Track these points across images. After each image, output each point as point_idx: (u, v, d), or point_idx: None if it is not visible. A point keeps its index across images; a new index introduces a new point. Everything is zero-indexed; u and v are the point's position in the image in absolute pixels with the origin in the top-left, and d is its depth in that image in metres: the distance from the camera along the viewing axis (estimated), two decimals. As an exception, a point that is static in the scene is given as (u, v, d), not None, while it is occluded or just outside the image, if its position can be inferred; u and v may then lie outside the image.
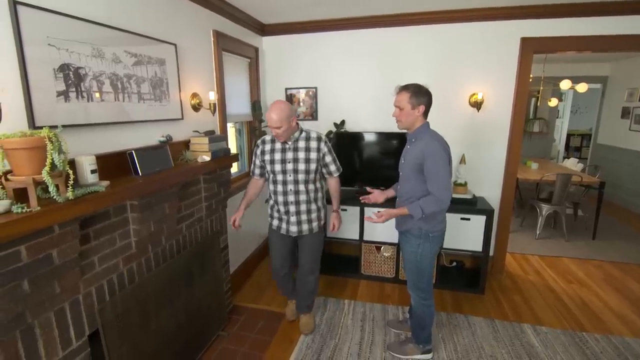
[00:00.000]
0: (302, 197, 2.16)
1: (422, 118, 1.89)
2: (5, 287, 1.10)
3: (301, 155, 2.10)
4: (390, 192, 2.20)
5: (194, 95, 2.30)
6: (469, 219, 2.80)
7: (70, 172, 1.22)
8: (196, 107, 2.31)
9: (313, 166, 2.12)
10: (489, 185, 3.13)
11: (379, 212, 1.94)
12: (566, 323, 2.51)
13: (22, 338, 1.22)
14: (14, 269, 1.11)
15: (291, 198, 2.15)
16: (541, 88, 4.86)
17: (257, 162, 2.21)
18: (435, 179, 1.80)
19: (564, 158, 7.12)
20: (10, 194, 1.15)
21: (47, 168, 1.13)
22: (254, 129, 3.27)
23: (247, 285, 3.05)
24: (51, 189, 1.15)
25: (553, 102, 5.34)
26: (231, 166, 2.46)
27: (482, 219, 2.77)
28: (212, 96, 2.36)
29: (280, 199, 2.17)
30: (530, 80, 3.00)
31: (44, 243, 1.19)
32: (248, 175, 3.26)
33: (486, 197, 3.09)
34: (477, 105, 2.91)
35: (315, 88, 3.32)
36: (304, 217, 2.20)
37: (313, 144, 2.12)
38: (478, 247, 2.83)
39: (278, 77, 3.41)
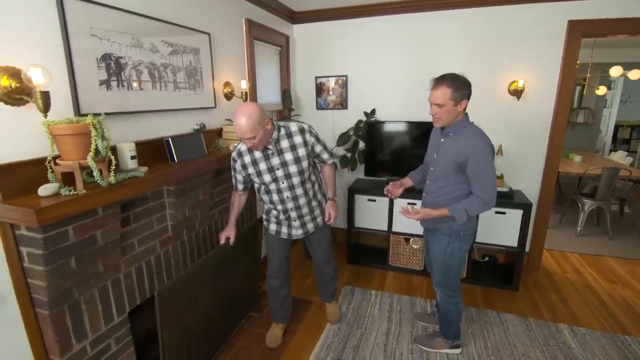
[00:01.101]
0: (302, 200, 1.95)
1: (462, 112, 1.73)
2: (56, 264, 1.19)
3: (288, 156, 1.84)
4: (407, 182, 2.07)
5: (226, 84, 2.34)
6: (504, 213, 2.69)
7: (112, 157, 1.28)
8: (228, 96, 2.35)
9: (305, 164, 1.87)
10: (527, 178, 2.98)
11: (414, 208, 1.79)
12: (607, 325, 2.38)
13: (69, 312, 1.31)
14: (62, 247, 1.19)
15: (290, 205, 1.94)
16: (588, 75, 4.53)
17: (239, 177, 1.92)
18: (482, 180, 1.66)
19: (611, 151, 6.64)
20: (59, 178, 1.22)
21: (91, 153, 1.20)
22: (284, 118, 3.29)
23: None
24: (95, 173, 1.21)
25: (601, 90, 4.96)
26: (261, 154, 2.49)
27: (518, 213, 2.65)
28: (244, 85, 2.39)
29: (279, 207, 1.96)
30: (577, 66, 2.80)
31: (89, 224, 1.27)
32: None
33: (524, 190, 2.95)
34: (517, 93, 2.76)
35: (346, 76, 3.27)
36: (307, 218, 2.02)
37: (297, 139, 1.84)
38: (513, 242, 2.72)
39: (308, 66, 3.39)
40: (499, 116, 2.91)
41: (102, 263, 1.41)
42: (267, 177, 1.86)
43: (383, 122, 3.09)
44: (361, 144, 3.26)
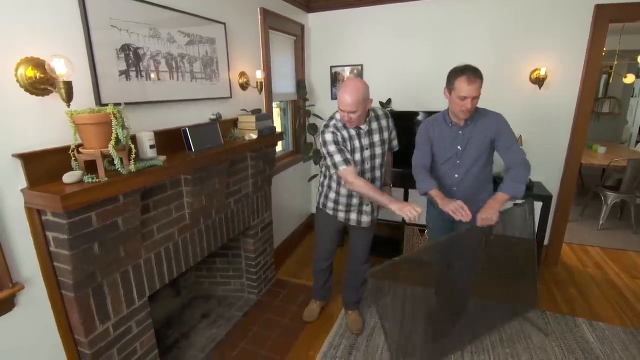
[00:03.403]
0: (377, 183, 1.96)
1: None
2: (80, 248, 1.24)
3: (377, 138, 1.87)
4: (436, 193, 1.85)
5: (242, 74, 2.35)
6: (522, 205, 2.63)
7: (132, 146, 1.32)
8: (244, 86, 2.36)
9: (386, 147, 1.94)
10: (548, 170, 2.90)
11: (483, 215, 1.70)
12: (628, 320, 2.32)
13: (93, 295, 1.37)
14: (86, 232, 1.24)
15: (368, 175, 1.92)
16: (615, 63, 4.34)
17: (346, 152, 1.78)
18: (515, 145, 1.77)
19: (638, 142, 6.37)
20: (82, 166, 1.26)
21: (112, 142, 1.23)
22: (298, 108, 3.29)
23: (290, 261, 3.15)
24: (116, 161, 1.25)
25: (629, 78, 4.74)
26: (277, 144, 2.50)
27: (538, 205, 2.58)
28: (259, 75, 2.39)
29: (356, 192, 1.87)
30: (603, 54, 2.68)
31: (111, 211, 1.31)
32: (292, 154, 3.31)
33: (544, 182, 2.88)
34: (539, 82, 2.67)
35: (361, 66, 3.23)
36: (376, 206, 2.02)
37: (384, 123, 1.90)
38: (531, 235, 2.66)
39: (323, 55, 3.36)
40: (520, 106, 2.82)
41: (124, 249, 1.45)
42: (357, 156, 1.85)
43: (398, 112, 3.05)
44: (376, 135, 3.23)
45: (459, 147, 1.87)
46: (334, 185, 1.98)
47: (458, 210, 1.68)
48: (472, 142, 1.83)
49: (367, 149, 1.86)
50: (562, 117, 2.75)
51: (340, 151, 1.76)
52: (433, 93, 3.03)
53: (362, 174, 1.88)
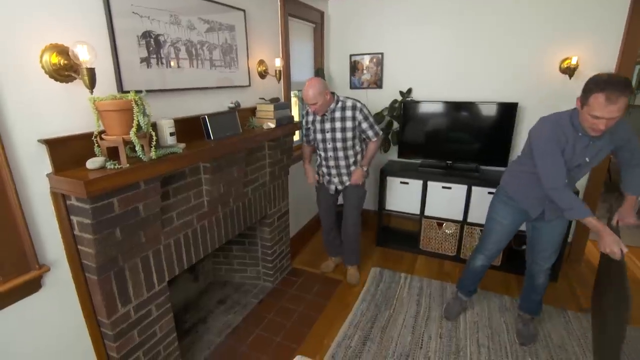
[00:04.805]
0: (342, 162, 2.38)
1: None
2: (103, 233, 1.26)
3: (337, 124, 2.27)
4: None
5: (261, 62, 2.33)
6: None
7: (153, 133, 1.32)
8: (262, 74, 2.34)
9: (349, 134, 2.28)
10: (573, 164, 2.78)
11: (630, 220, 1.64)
12: (655, 322, 2.23)
13: (115, 278, 1.40)
14: (109, 217, 1.26)
15: (332, 162, 2.40)
16: (652, 52, 4.09)
17: (304, 131, 2.46)
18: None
19: (672, 137, 6.04)
20: (104, 152, 1.28)
21: (134, 129, 1.24)
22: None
23: (305, 250, 3.16)
24: (138, 148, 1.26)
25: (666, 69, 4.48)
26: (294, 134, 2.49)
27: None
28: (278, 63, 2.37)
29: (324, 162, 2.46)
30: (641, 42, 2.52)
31: (132, 197, 1.33)
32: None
33: (569, 177, 2.76)
34: (570, 71, 2.54)
35: (382, 54, 3.16)
36: (345, 178, 2.43)
37: (348, 113, 2.25)
38: (554, 231, 2.57)
39: (343, 43, 3.29)
40: (548, 96, 2.70)
41: (144, 234, 1.48)
42: (319, 136, 2.36)
43: (419, 102, 2.98)
44: (395, 125, 3.17)
45: (587, 159, 1.63)
46: (317, 152, 2.49)
47: (619, 250, 1.49)
48: (601, 154, 1.62)
49: (327, 132, 2.31)
50: (593, 109, 2.62)
51: (306, 130, 2.44)
52: (456, 82, 2.94)
53: (324, 151, 2.40)
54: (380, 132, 2.35)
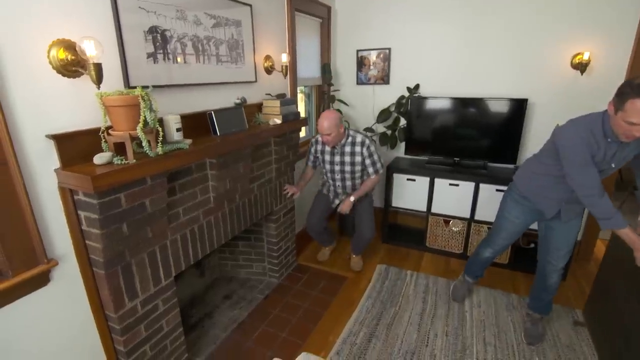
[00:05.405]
0: (348, 182, 2.52)
1: None
2: (110, 228, 1.27)
3: (347, 159, 2.41)
4: None
5: (267, 57, 2.31)
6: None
7: (160, 129, 1.32)
8: (268, 70, 2.33)
9: (358, 168, 2.44)
10: (584, 162, 2.73)
11: None
12: (667, 323, 2.19)
13: (122, 273, 1.41)
14: (116, 212, 1.27)
15: (339, 183, 2.54)
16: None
17: (312, 157, 2.56)
18: None
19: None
20: (111, 147, 1.28)
21: (140, 125, 1.24)
22: (322, 93, 3.23)
23: (310, 247, 3.16)
24: (144, 144, 1.26)
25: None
26: (300, 130, 2.48)
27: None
28: (285, 58, 2.35)
29: (330, 182, 2.59)
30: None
31: (139, 192, 1.33)
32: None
33: (579, 174, 2.72)
34: (582, 67, 2.49)
35: (389, 49, 3.12)
36: (341, 190, 2.57)
37: (357, 149, 2.38)
38: (563, 229, 2.54)
39: (349, 38, 3.27)
40: (559, 92, 2.66)
41: (151, 230, 1.49)
42: (327, 166, 2.50)
43: (427, 98, 2.95)
44: (402, 121, 3.14)
45: (613, 165, 1.58)
46: (324, 174, 2.62)
47: None
48: (626, 159, 1.58)
49: (336, 164, 2.45)
50: (605, 106, 2.56)
51: (314, 157, 2.56)
52: (464, 78, 2.90)
53: (332, 179, 2.54)
54: (381, 170, 2.44)
